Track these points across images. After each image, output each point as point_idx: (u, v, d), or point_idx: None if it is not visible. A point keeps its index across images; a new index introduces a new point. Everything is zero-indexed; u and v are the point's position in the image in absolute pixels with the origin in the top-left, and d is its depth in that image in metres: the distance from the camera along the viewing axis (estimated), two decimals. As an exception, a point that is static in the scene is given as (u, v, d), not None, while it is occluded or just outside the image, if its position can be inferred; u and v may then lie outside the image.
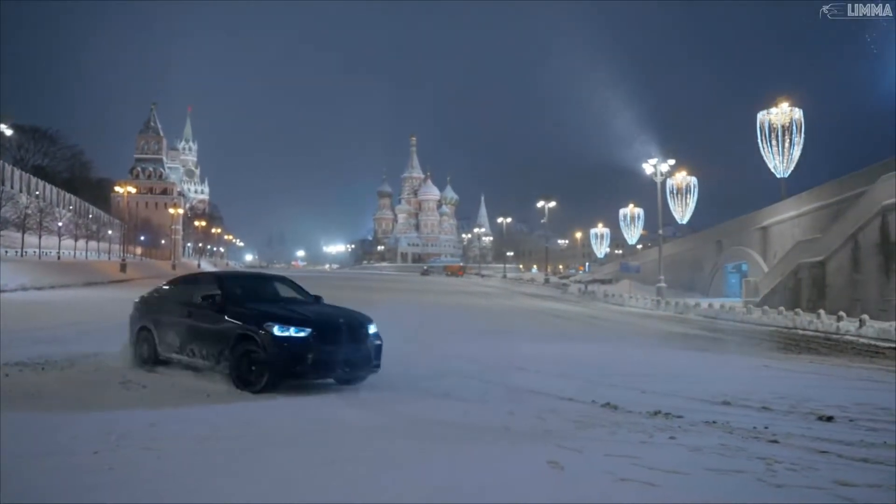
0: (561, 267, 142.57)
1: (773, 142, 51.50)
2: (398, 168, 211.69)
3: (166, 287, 11.56)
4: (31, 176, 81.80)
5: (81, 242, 78.94)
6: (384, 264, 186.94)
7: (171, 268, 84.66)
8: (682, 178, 66.04)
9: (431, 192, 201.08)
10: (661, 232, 47.05)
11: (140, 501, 4.19)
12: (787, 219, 44.64)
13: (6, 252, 55.87)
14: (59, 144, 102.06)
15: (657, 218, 46.86)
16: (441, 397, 9.15)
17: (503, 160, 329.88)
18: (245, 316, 9.34)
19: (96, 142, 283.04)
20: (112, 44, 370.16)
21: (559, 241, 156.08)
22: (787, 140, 51.01)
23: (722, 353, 16.87)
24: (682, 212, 68.70)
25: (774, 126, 51.51)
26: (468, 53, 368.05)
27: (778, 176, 52.01)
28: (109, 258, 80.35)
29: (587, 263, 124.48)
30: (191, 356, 9.88)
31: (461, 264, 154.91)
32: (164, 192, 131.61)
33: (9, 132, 42.19)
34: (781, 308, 28.54)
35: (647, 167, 45.29)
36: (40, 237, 66.54)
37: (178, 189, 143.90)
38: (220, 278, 11.00)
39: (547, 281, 78.24)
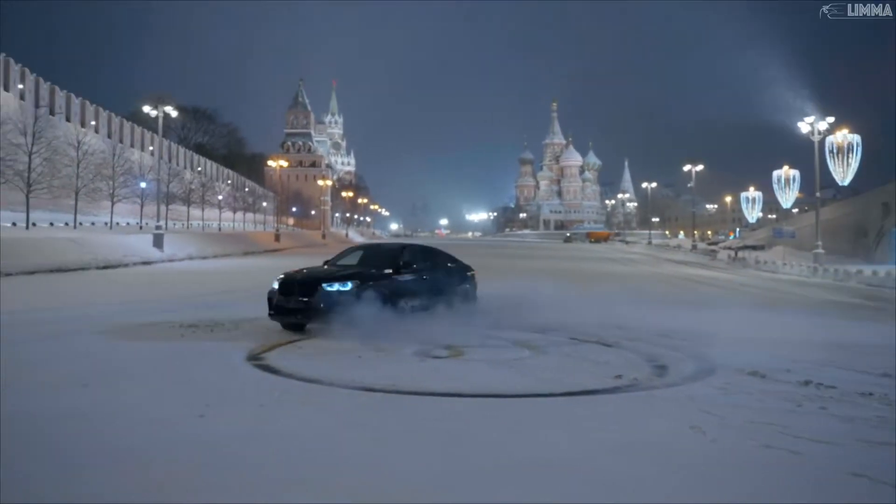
0: (709, 233, 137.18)
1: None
2: (539, 134, 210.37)
3: None
4: (194, 153, 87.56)
5: (239, 214, 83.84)
6: (526, 231, 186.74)
7: (322, 237, 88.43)
8: (842, 136, 61.70)
9: (573, 158, 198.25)
10: (818, 195, 44.41)
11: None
12: (967, 177, 40.85)
13: (174, 224, 60.24)
14: (217, 123, 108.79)
15: (814, 180, 44.15)
16: (579, 361, 9.28)
17: (648, 123, 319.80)
18: None
19: (249, 118, 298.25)
20: (261, 22, 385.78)
21: (707, 206, 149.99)
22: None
23: (886, 324, 15.83)
24: (843, 173, 64.07)
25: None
26: (608, 15, 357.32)
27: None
28: (265, 229, 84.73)
29: (737, 229, 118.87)
30: None
31: (605, 231, 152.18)
32: (313, 164, 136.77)
33: (174, 113, 45.03)
34: (957, 275, 26.34)
35: (804, 126, 42.64)
36: (203, 210, 71.21)
37: (326, 161, 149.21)
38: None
39: (694, 247, 75.52)
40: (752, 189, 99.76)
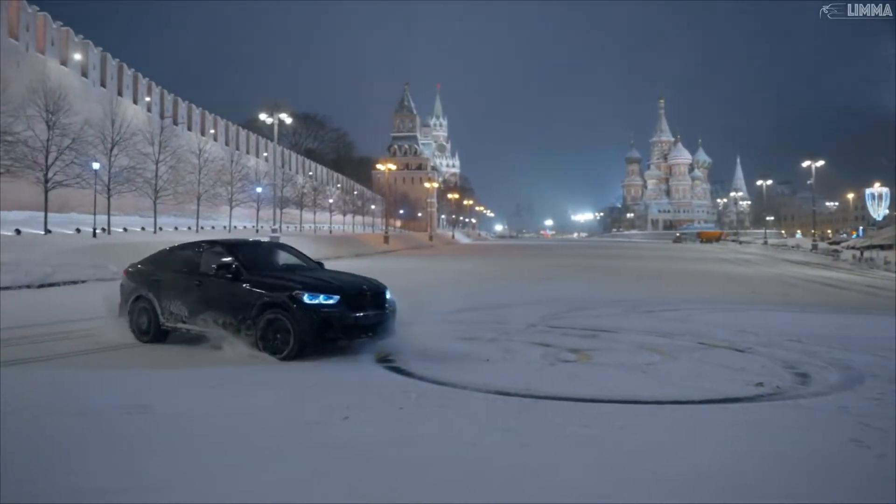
0: (829, 232, 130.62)
1: None
2: (646, 132, 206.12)
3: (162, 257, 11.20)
4: (305, 158, 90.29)
5: (348, 217, 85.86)
6: (633, 232, 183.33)
7: (429, 239, 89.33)
8: (981, 126, 57.55)
9: (682, 156, 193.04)
10: (956, 190, 41.46)
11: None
12: None
13: (287, 227, 62.19)
14: (327, 128, 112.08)
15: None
16: (713, 366, 9.00)
17: (761, 117, 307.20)
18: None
19: (356, 122, 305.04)
20: (368, 28, 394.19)
21: (827, 204, 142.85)
22: None
23: None
24: (983, 165, 59.94)
25: None
26: (718, 8, 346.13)
27: None
28: (373, 231, 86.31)
29: (860, 228, 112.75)
30: (203, 325, 9.88)
31: (717, 231, 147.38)
32: (419, 167, 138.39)
33: (289, 120, 46.60)
34: None
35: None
36: (315, 213, 73.20)
37: (432, 163, 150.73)
38: (231, 246, 10.69)
39: (814, 247, 72.05)
40: (877, 185, 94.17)
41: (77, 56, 46.08)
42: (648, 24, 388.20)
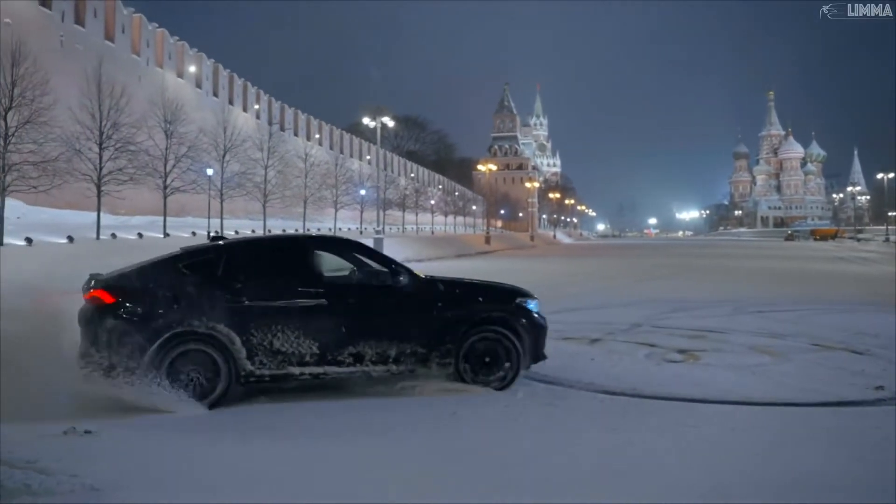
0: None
1: None
2: (754, 126, 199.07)
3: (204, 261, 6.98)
4: (407, 160, 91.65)
5: (450, 218, 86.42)
6: (741, 230, 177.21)
7: (530, 239, 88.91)
8: None
9: (794, 150, 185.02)
10: None
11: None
12: None
13: (389, 228, 63.25)
14: (428, 130, 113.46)
15: None
16: (828, 369, 8.68)
17: (880, 107, 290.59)
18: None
19: (456, 123, 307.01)
20: (465, 29, 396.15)
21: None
22: None
23: None
24: None
25: None
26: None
27: None
28: (474, 231, 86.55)
29: None
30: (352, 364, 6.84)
31: (832, 227, 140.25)
32: (520, 167, 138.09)
33: (391, 124, 47.56)
34: None
35: None
36: (416, 214, 74.15)
37: (532, 163, 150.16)
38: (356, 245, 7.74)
39: (945, 245, 67.47)
40: None
41: (192, 68, 48.46)
42: (755, 17, 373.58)
